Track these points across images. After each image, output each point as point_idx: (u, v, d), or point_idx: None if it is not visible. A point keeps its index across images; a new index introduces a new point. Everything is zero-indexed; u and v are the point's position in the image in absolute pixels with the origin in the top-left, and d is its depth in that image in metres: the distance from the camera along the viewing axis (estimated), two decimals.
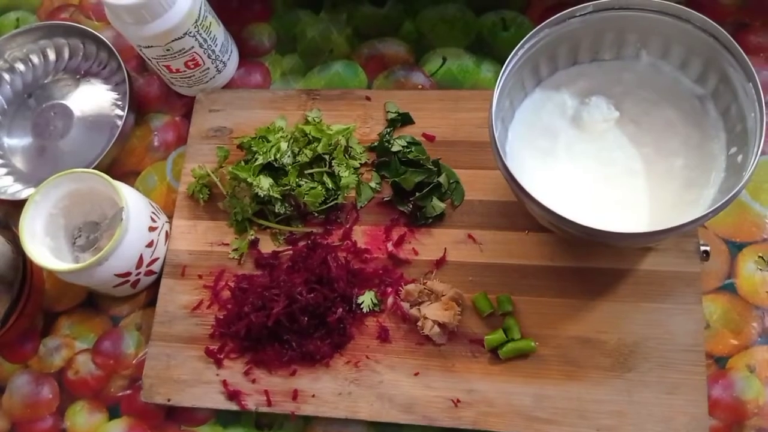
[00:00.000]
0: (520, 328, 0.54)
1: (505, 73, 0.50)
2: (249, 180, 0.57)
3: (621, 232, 0.46)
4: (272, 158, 0.58)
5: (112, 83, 0.70)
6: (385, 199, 0.59)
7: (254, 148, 0.59)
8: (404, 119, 0.61)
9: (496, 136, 0.49)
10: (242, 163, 0.60)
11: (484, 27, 0.66)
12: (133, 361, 0.60)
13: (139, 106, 0.69)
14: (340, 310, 0.55)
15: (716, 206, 0.44)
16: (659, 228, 0.50)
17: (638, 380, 0.52)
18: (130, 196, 0.57)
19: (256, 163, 0.58)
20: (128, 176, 0.67)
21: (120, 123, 0.67)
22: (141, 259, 0.58)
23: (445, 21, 0.66)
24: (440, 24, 0.67)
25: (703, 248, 0.55)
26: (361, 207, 0.59)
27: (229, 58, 0.66)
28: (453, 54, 0.65)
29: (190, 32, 0.59)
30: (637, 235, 0.47)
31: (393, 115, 0.61)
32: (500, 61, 0.64)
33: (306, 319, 0.55)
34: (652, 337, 0.53)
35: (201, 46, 0.61)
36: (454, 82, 0.64)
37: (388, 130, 0.61)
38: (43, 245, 0.57)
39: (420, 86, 0.65)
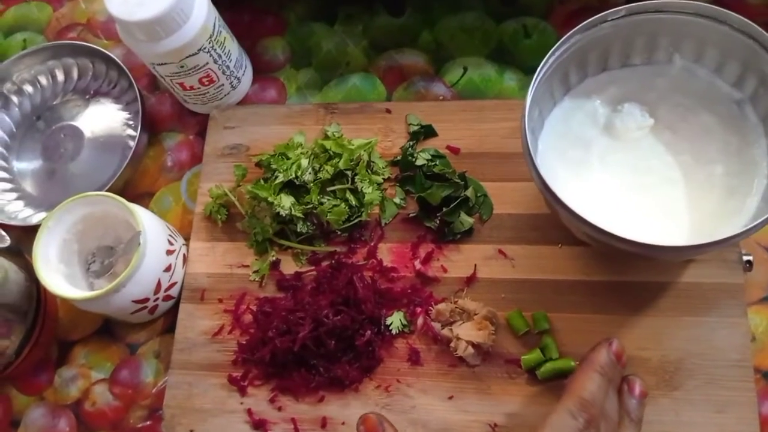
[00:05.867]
0: (557, 346, 0.51)
1: (536, 82, 0.48)
2: (270, 199, 0.55)
3: (665, 245, 0.43)
4: (293, 176, 0.56)
5: (123, 102, 0.69)
6: (411, 215, 0.57)
7: (274, 166, 0.57)
8: (427, 132, 0.59)
9: (530, 146, 0.47)
10: (261, 181, 0.58)
11: (505, 35, 0.64)
12: (153, 391, 0.58)
13: (151, 126, 0.67)
14: (369, 332, 0.53)
15: (766, 216, 0.42)
16: (701, 238, 0.48)
17: (685, 399, 0.49)
18: (146, 219, 0.55)
19: (277, 181, 0.56)
20: (142, 198, 0.65)
21: (132, 143, 0.65)
22: (159, 284, 0.56)
23: (464, 30, 0.65)
24: (459, 33, 0.65)
25: (745, 258, 0.52)
26: (385, 224, 0.57)
27: (243, 74, 0.64)
28: (474, 63, 0.63)
29: (205, 48, 0.57)
30: (681, 249, 0.45)
31: (415, 128, 0.59)
32: (523, 69, 0.62)
33: (333, 342, 0.52)
34: (697, 353, 0.50)
35: (215, 62, 0.59)
36: (476, 92, 0.62)
37: (411, 143, 0.59)
38: (58, 272, 0.55)
39: (441, 97, 0.63)
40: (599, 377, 0.44)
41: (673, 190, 0.50)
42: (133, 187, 0.65)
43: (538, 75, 0.48)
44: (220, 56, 0.60)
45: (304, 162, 0.57)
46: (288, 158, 0.58)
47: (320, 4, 0.68)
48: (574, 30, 0.49)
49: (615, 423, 0.44)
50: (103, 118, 0.69)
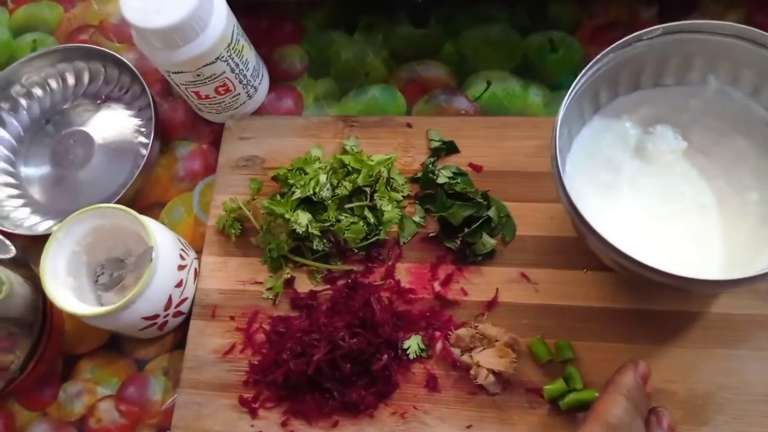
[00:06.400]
0: (581, 376, 0.49)
1: (568, 102, 0.46)
2: (286, 216, 0.53)
3: (700, 278, 0.42)
4: (311, 192, 0.54)
5: (135, 108, 0.67)
6: (431, 234, 0.55)
7: (291, 181, 0.55)
8: (449, 148, 0.58)
9: (557, 171, 0.45)
10: (278, 196, 0.56)
11: (530, 49, 0.62)
12: (161, 409, 0.56)
13: (163, 133, 0.65)
14: (386, 356, 0.51)
15: None
16: (735, 269, 0.47)
17: None
18: (159, 234, 0.53)
19: (294, 197, 0.54)
20: (153, 208, 0.63)
21: (144, 151, 0.64)
22: (170, 300, 0.54)
23: (488, 42, 0.63)
24: (483, 46, 0.63)
25: None
26: (404, 243, 0.56)
27: (260, 83, 0.63)
28: (498, 77, 0.61)
29: (223, 57, 0.56)
30: (717, 283, 0.43)
31: (437, 144, 0.58)
32: (548, 85, 0.61)
33: (349, 366, 0.51)
34: (726, 387, 0.49)
35: (233, 71, 0.58)
36: (499, 108, 0.61)
37: (432, 159, 0.57)
38: (66, 286, 0.54)
39: (463, 111, 0.61)
40: (626, 401, 0.41)
41: (705, 218, 0.49)
42: (143, 196, 0.63)
43: (570, 94, 0.46)
44: (237, 65, 0.58)
45: (323, 178, 0.55)
46: (305, 173, 0.56)
47: (340, 11, 0.66)
48: (608, 49, 0.47)
49: None
50: (115, 125, 0.67)
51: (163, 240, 0.53)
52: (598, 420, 0.41)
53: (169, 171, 0.64)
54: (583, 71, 0.47)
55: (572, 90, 0.46)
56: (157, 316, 0.54)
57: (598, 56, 0.47)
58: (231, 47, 0.56)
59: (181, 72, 0.56)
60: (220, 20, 0.55)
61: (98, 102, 0.68)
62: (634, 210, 0.49)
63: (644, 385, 0.43)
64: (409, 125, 0.59)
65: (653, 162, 0.50)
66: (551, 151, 0.45)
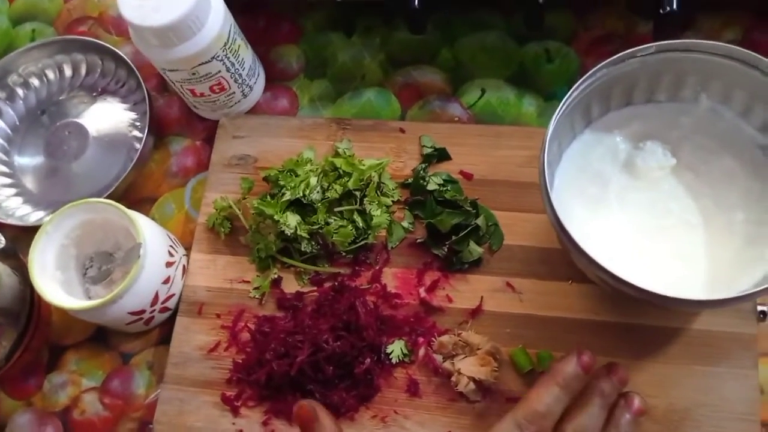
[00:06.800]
0: None
1: (558, 116, 0.46)
2: (276, 217, 0.54)
3: (681, 297, 0.42)
4: (300, 194, 0.54)
5: (130, 102, 0.67)
6: (418, 240, 0.55)
7: (281, 182, 0.55)
8: (440, 155, 0.58)
9: (547, 181, 0.45)
10: (268, 197, 0.56)
11: (526, 58, 0.62)
12: (144, 402, 0.57)
13: (158, 128, 0.66)
14: (368, 360, 0.52)
15: None
16: (718, 287, 0.47)
17: None
18: (148, 231, 0.53)
19: (284, 198, 0.54)
20: (144, 203, 0.63)
21: (138, 145, 0.64)
22: (156, 296, 0.54)
23: (484, 50, 0.63)
24: (479, 53, 0.63)
25: (760, 308, 0.51)
26: (392, 248, 0.56)
27: (255, 82, 0.63)
28: (493, 85, 0.62)
29: (218, 56, 0.56)
30: (698, 303, 0.43)
31: (429, 150, 0.58)
32: (543, 95, 0.61)
33: (331, 368, 0.51)
34: (705, 404, 0.49)
35: (228, 70, 0.58)
36: (493, 116, 0.61)
37: (423, 166, 0.57)
38: (54, 279, 0.54)
39: (457, 118, 0.61)
40: (559, 390, 0.41)
41: (691, 235, 0.49)
42: (135, 190, 0.64)
43: (561, 109, 0.46)
44: (233, 64, 0.58)
45: (313, 180, 0.55)
46: (297, 175, 0.56)
47: (338, 13, 0.66)
48: (601, 64, 0.47)
49: None
50: (109, 118, 0.67)
51: (152, 236, 0.53)
52: (525, 406, 0.41)
53: (162, 166, 0.65)
54: (575, 86, 0.47)
55: (563, 104, 0.46)
56: (143, 312, 0.54)
57: (591, 71, 0.47)
58: (227, 47, 0.56)
59: (177, 70, 0.56)
60: (217, 19, 0.55)
61: (94, 94, 0.68)
62: (620, 224, 0.49)
63: (586, 375, 0.43)
64: (402, 130, 0.60)
65: (642, 177, 0.50)
66: (540, 165, 0.46)
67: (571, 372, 0.42)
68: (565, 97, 0.46)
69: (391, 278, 0.55)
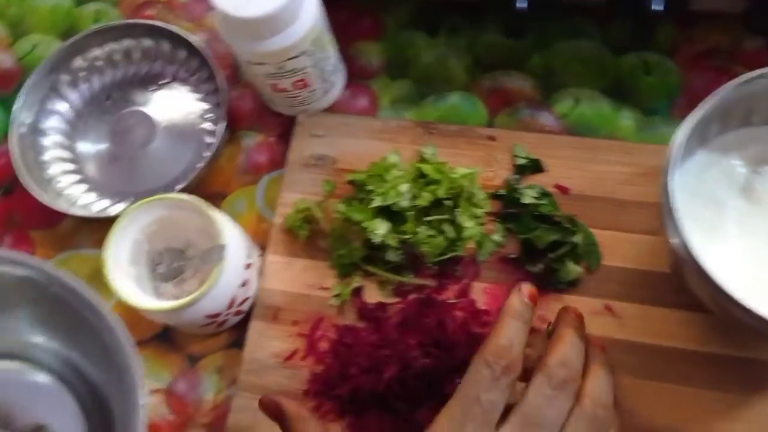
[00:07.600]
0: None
1: (687, 135, 0.44)
2: (364, 224, 0.51)
3: None
4: (392, 201, 0.52)
5: (201, 92, 0.64)
6: (511, 255, 0.53)
7: (369, 187, 0.53)
8: (535, 166, 0.55)
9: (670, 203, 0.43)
10: (354, 201, 0.53)
11: (623, 69, 0.59)
12: (212, 408, 0.54)
13: (230, 122, 0.63)
14: (458, 380, 0.49)
15: None
16: None
17: None
18: (229, 232, 0.50)
19: (373, 204, 0.52)
20: (214, 198, 0.60)
21: (208, 138, 0.61)
22: (233, 299, 0.52)
23: (578, 58, 0.60)
24: (573, 61, 0.60)
25: None
26: (482, 261, 0.53)
27: (337, 79, 0.60)
28: (587, 96, 0.59)
29: (308, 51, 0.53)
30: None
31: (522, 161, 0.55)
32: (642, 109, 0.58)
33: (420, 386, 0.48)
34: None
35: (314, 66, 0.55)
36: (587, 128, 0.58)
37: (516, 177, 0.55)
38: (128, 276, 0.51)
39: (547, 128, 0.59)
40: (513, 321, 0.41)
41: None
42: (206, 185, 0.61)
43: (689, 126, 0.44)
44: (320, 60, 0.55)
45: (404, 187, 0.52)
46: (384, 180, 0.53)
47: (422, 11, 0.64)
48: (726, 84, 0.44)
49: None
50: (178, 108, 0.64)
51: (233, 238, 0.51)
52: (487, 344, 0.40)
53: (232, 162, 0.62)
54: (702, 104, 0.44)
55: (690, 122, 0.44)
56: (219, 315, 0.52)
57: (714, 92, 0.44)
58: (316, 42, 0.54)
59: (263, 63, 0.53)
60: (310, 14, 0.52)
61: (162, 83, 0.65)
62: (737, 252, 0.46)
63: (533, 305, 0.43)
64: (491, 138, 0.57)
65: (761, 203, 0.47)
66: (662, 185, 0.43)
67: (518, 303, 0.42)
68: (691, 115, 0.44)
69: (480, 293, 0.53)
